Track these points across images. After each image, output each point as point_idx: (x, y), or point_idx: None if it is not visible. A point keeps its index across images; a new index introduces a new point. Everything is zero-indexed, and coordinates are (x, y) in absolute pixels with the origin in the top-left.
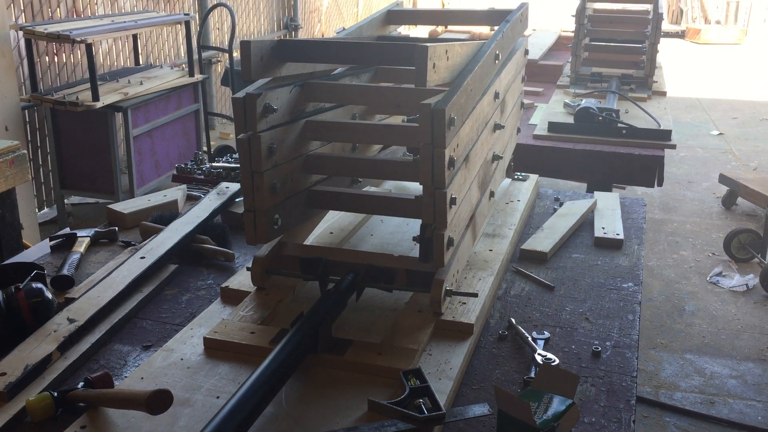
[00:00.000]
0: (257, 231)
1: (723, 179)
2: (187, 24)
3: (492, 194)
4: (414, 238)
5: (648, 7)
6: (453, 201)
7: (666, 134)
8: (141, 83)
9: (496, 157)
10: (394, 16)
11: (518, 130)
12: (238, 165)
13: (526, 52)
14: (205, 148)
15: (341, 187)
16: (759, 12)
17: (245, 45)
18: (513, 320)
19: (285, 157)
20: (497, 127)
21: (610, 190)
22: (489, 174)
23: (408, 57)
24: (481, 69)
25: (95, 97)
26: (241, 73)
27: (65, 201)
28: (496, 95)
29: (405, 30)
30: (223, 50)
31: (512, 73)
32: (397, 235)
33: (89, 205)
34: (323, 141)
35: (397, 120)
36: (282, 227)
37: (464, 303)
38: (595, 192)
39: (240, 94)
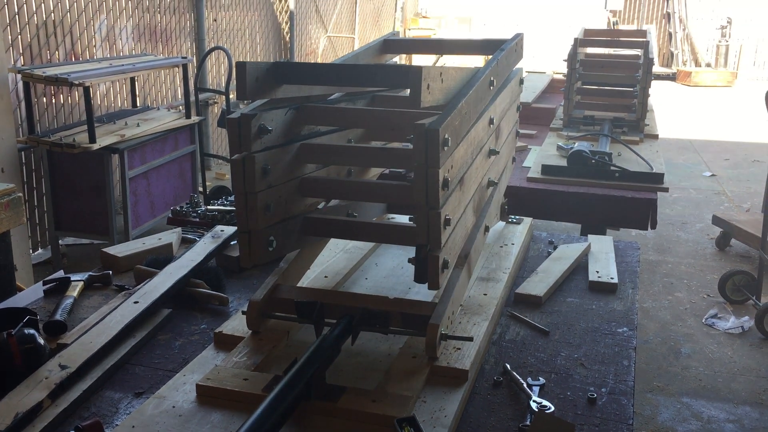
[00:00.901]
0: (251, 251)
1: (716, 221)
2: (185, 67)
3: (487, 229)
4: (409, 260)
5: (639, 52)
6: (447, 222)
7: (658, 177)
8: (138, 125)
9: (492, 183)
10: (390, 46)
11: (513, 159)
12: (233, 208)
13: (521, 81)
14: (201, 189)
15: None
16: (748, 55)
17: (241, 66)
18: (508, 366)
19: (279, 179)
20: (492, 152)
21: (604, 233)
22: (484, 199)
23: (402, 78)
24: (476, 93)
25: (92, 139)
26: (236, 95)
27: (60, 242)
28: (491, 121)
29: (401, 60)
30: (219, 92)
31: (507, 101)
32: (392, 278)
33: (84, 246)
34: (318, 164)
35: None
36: (277, 249)
37: (459, 348)
38: (588, 235)
39: (235, 115)
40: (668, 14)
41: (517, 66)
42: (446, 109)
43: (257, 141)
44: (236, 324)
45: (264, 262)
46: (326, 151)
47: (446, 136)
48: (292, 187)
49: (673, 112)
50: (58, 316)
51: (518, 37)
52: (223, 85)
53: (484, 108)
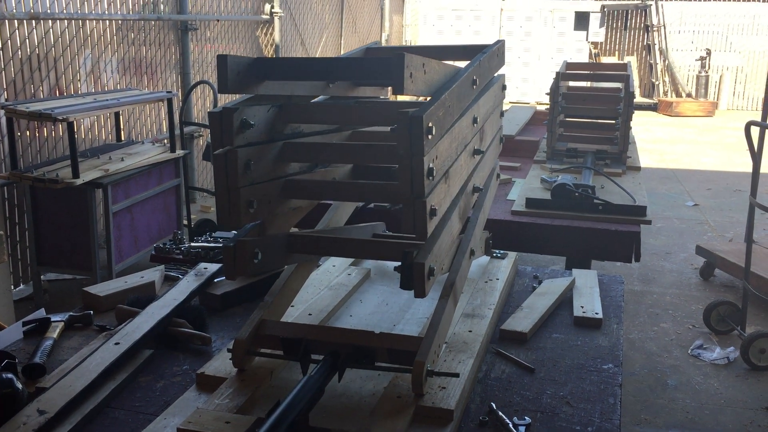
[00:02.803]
0: (236, 263)
1: (700, 251)
2: (170, 101)
3: (472, 252)
4: (395, 269)
5: (619, 85)
6: (433, 212)
7: (641, 210)
8: (122, 159)
9: (477, 189)
10: (373, 53)
11: (498, 177)
12: (218, 244)
13: (504, 87)
14: (185, 223)
15: (325, 234)
16: (728, 85)
17: (222, 59)
18: (494, 405)
19: (262, 176)
20: (477, 152)
21: (589, 266)
22: (470, 205)
23: (385, 70)
24: (459, 88)
25: (75, 175)
26: (217, 88)
27: (41, 277)
28: (475, 120)
29: None
30: (205, 126)
31: (490, 104)
32: (377, 315)
33: (66, 281)
34: (302, 162)
35: None
36: (261, 263)
37: (444, 387)
38: (573, 269)
39: (217, 109)
40: (648, 46)
41: (499, 73)
42: (430, 101)
43: (240, 135)
44: (218, 364)
45: (249, 274)
46: (310, 150)
47: (430, 125)
48: (276, 188)
49: (656, 142)
50: (37, 359)
51: (500, 43)
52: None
53: (467, 106)
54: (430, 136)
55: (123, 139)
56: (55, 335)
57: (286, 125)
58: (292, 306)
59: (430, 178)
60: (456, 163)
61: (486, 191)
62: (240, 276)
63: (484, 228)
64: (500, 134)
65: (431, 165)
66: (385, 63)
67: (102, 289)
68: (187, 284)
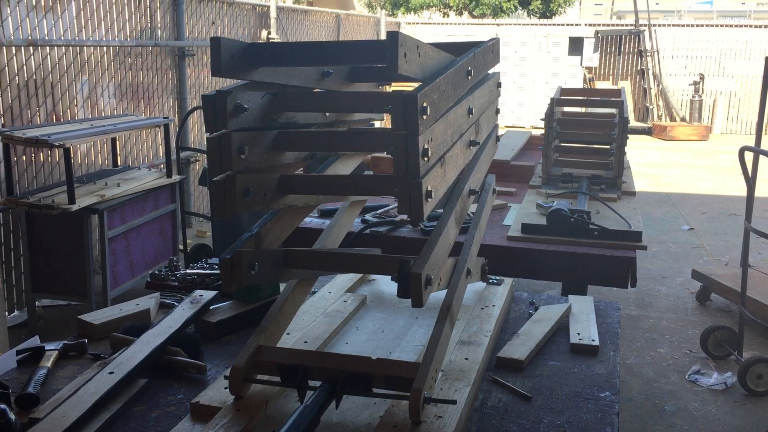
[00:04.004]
0: (233, 274)
1: (696, 275)
2: (166, 126)
3: (469, 272)
4: (392, 278)
5: (614, 110)
6: (429, 194)
7: (637, 235)
8: (118, 185)
9: (473, 192)
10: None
11: (494, 192)
12: (214, 271)
13: (499, 84)
14: (181, 247)
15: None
16: (722, 110)
17: (215, 41)
18: None
19: (257, 163)
20: (473, 143)
21: (585, 291)
22: (466, 210)
23: (379, 51)
24: (454, 75)
25: (71, 200)
26: (210, 71)
27: (36, 304)
28: (470, 111)
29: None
30: (201, 151)
31: (486, 98)
32: (372, 342)
33: (60, 307)
34: (296, 150)
35: None
36: (258, 275)
37: (440, 417)
38: (569, 295)
39: (211, 93)
40: (642, 71)
41: (494, 70)
42: (424, 83)
43: (233, 119)
44: (213, 394)
45: (246, 285)
46: (304, 138)
47: (424, 105)
48: (272, 183)
49: (651, 166)
50: (30, 389)
51: (494, 40)
52: (205, 143)
53: (462, 95)
54: (424, 116)
55: (119, 164)
56: (49, 364)
57: (281, 114)
58: (288, 333)
59: (425, 158)
60: (452, 150)
61: (482, 206)
62: (238, 286)
63: (481, 254)
64: (496, 133)
65: (426, 146)
66: (379, 44)
67: (97, 317)
68: (182, 312)
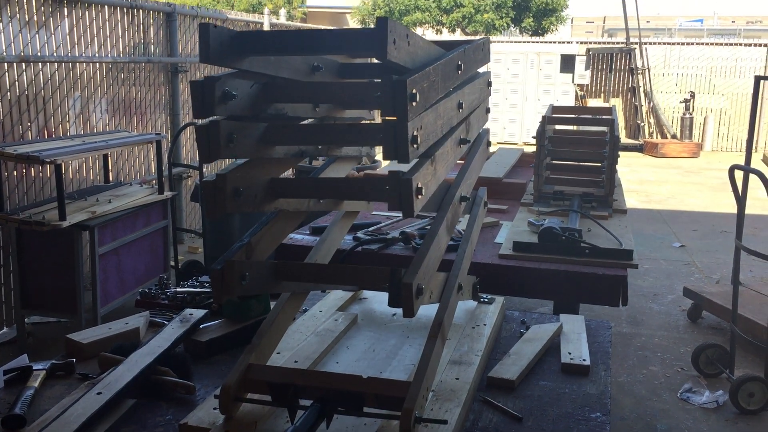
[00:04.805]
0: (224, 284)
1: (687, 293)
2: (158, 143)
3: (460, 287)
4: (383, 287)
5: (605, 129)
6: (419, 191)
7: (628, 254)
8: (110, 201)
9: (464, 199)
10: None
11: (485, 205)
12: (204, 289)
13: (489, 83)
14: (172, 263)
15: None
16: (712, 127)
17: (204, 27)
18: None
19: (245, 154)
20: (463, 141)
21: (577, 310)
22: (457, 217)
23: (368, 39)
24: (444, 66)
25: (62, 217)
26: (199, 58)
27: (26, 320)
28: (460, 105)
29: None
30: (193, 167)
31: (476, 95)
32: (363, 362)
33: (50, 324)
34: (285, 144)
35: None
36: (249, 285)
37: None
38: (560, 315)
39: (199, 79)
40: (633, 88)
41: (485, 70)
42: (414, 71)
43: (221, 106)
44: (202, 414)
45: (237, 295)
46: (294, 131)
47: (414, 91)
48: (262, 184)
49: (642, 183)
50: (17, 410)
51: (484, 39)
52: (197, 159)
53: (452, 89)
54: (414, 103)
55: (111, 180)
56: (36, 384)
57: (270, 105)
58: (278, 353)
59: (414, 146)
60: (442, 148)
61: (474, 220)
62: (228, 297)
63: (472, 272)
64: (487, 138)
65: (415, 133)
66: (368, 32)
67: (85, 336)
68: (171, 331)
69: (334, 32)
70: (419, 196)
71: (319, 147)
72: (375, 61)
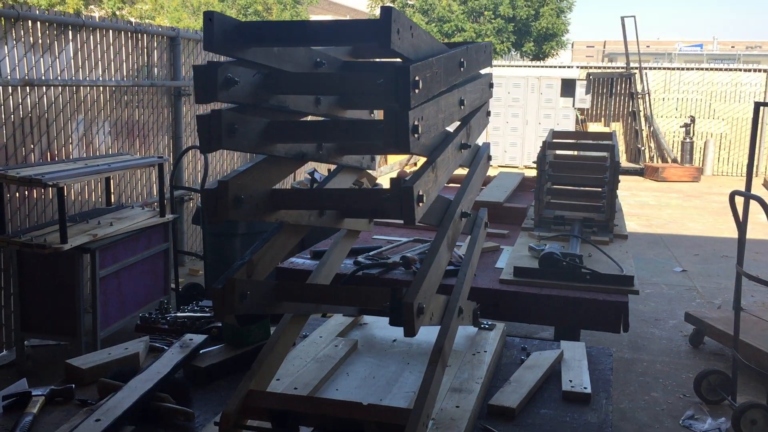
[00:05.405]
0: (225, 302)
1: (689, 318)
2: (161, 166)
3: (461, 311)
4: (384, 306)
5: (605, 154)
6: (420, 198)
7: (629, 280)
8: (111, 224)
9: (465, 215)
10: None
11: (486, 225)
12: (204, 314)
13: (491, 85)
14: (173, 286)
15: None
16: (712, 151)
17: (208, 14)
18: None
19: (246, 147)
20: (464, 146)
21: (578, 336)
22: (458, 233)
23: (373, 31)
24: (446, 61)
25: (63, 240)
26: (203, 45)
27: (25, 343)
28: (462, 102)
29: None
30: (195, 190)
31: (477, 95)
32: (363, 389)
33: (50, 347)
34: (287, 141)
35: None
36: (250, 304)
37: None
38: (561, 341)
39: (202, 64)
40: (634, 113)
41: (486, 71)
42: (417, 61)
43: (224, 91)
44: None
45: (238, 313)
46: (296, 128)
47: (416, 78)
48: (264, 193)
49: (643, 207)
50: None
51: (487, 43)
52: (199, 182)
53: (454, 84)
54: (416, 90)
55: (113, 202)
56: (35, 410)
57: (272, 96)
58: (278, 379)
59: (415, 135)
60: (443, 154)
61: (474, 242)
62: (229, 315)
63: (473, 297)
64: (488, 152)
65: (416, 123)
66: (371, 23)
67: (85, 361)
68: (171, 356)
69: (338, 22)
70: (420, 204)
71: (320, 152)
72: (378, 60)
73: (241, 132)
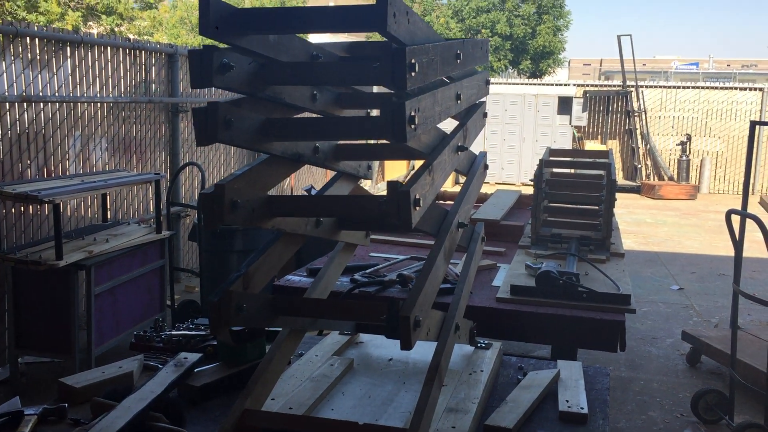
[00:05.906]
0: (221, 314)
1: (686, 337)
2: (157, 182)
3: (457, 327)
4: (380, 318)
5: (602, 172)
6: (417, 202)
7: (625, 299)
8: (107, 240)
9: (462, 225)
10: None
11: (483, 240)
12: (200, 332)
13: (488, 81)
14: (169, 303)
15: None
16: (708, 169)
17: (204, 1)
18: None
19: (242, 142)
20: (461, 149)
21: (575, 355)
22: (455, 244)
23: (369, 15)
24: (443, 50)
25: (59, 256)
26: (198, 30)
27: (19, 360)
28: (458, 96)
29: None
30: (192, 207)
31: (474, 90)
32: (359, 409)
33: (44, 364)
34: (282, 139)
35: None
36: (246, 317)
37: None
38: (558, 361)
39: (197, 47)
40: (630, 130)
41: (483, 70)
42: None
43: (219, 76)
44: None
45: (234, 326)
46: (293, 125)
47: (413, 61)
48: (260, 199)
49: (639, 225)
50: None
51: (484, 39)
52: (196, 199)
53: (451, 76)
54: (413, 73)
55: (109, 219)
56: (27, 430)
57: (267, 86)
58: (273, 399)
59: (412, 126)
60: (440, 157)
61: (471, 258)
62: (225, 328)
63: (470, 315)
64: (484, 161)
65: (413, 113)
66: (368, 7)
67: (78, 380)
68: (165, 375)
69: (335, 8)
70: (417, 208)
71: (317, 155)
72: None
73: (237, 126)
